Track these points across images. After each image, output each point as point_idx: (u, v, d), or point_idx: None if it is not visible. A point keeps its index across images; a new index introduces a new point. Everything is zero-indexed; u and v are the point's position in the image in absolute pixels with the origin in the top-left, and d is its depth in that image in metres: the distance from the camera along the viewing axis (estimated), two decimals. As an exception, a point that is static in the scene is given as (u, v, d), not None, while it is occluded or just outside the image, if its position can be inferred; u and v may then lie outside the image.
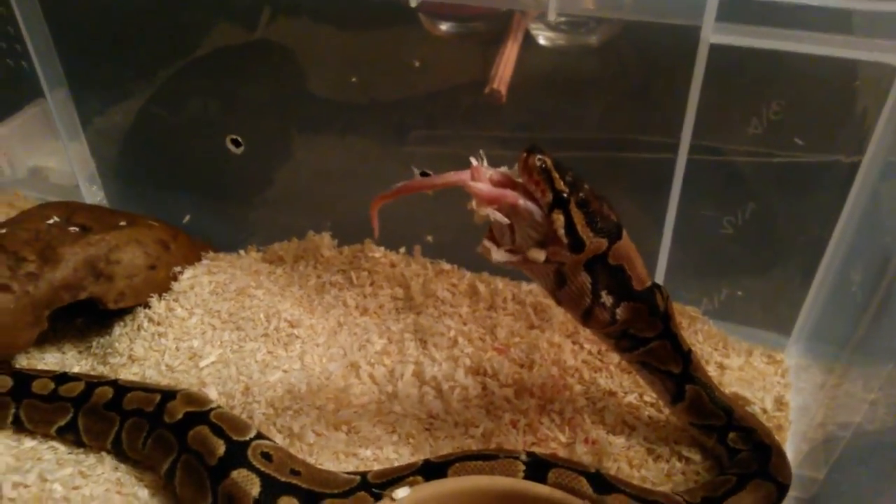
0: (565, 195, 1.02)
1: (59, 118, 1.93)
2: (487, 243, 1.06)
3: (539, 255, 1.04)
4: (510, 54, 1.46)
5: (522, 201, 1.02)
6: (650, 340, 1.20)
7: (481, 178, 1.03)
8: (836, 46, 1.15)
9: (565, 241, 1.03)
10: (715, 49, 1.23)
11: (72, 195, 2.02)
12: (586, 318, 1.15)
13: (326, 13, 1.60)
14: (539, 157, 1.01)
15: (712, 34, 1.22)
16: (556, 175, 1.02)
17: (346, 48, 1.64)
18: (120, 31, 1.79)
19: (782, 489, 1.19)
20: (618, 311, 1.14)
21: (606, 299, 1.13)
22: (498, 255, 1.05)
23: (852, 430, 1.20)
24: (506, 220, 1.03)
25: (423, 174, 1.66)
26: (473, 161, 1.05)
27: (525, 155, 1.02)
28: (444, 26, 1.52)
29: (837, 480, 1.20)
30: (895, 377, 1.11)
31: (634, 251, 1.12)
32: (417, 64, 1.57)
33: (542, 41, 1.48)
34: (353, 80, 1.65)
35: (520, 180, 1.05)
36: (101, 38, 1.82)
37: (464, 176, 1.04)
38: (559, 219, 1.02)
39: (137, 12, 1.75)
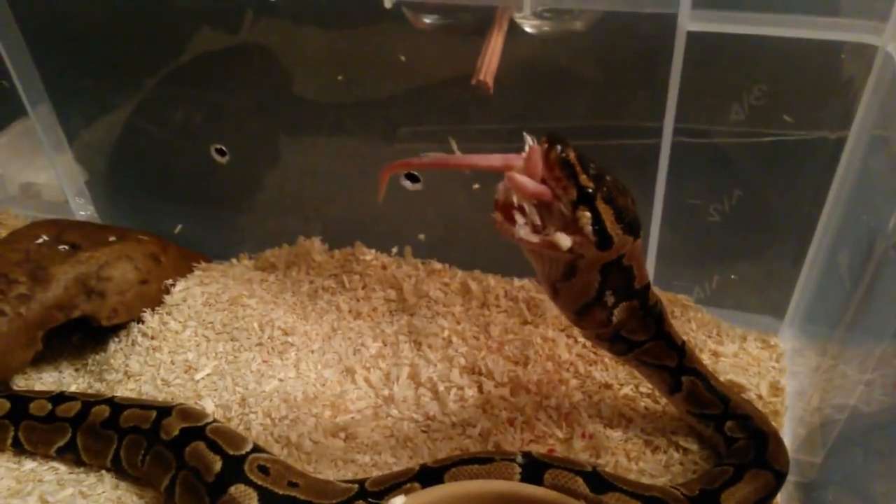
0: (590, 190, 0.96)
1: (44, 134, 1.92)
2: (519, 218, 0.97)
3: (565, 240, 0.96)
4: (496, 44, 1.43)
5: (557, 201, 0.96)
6: (644, 343, 1.19)
7: (536, 163, 0.95)
8: (812, 28, 1.14)
9: (593, 238, 0.98)
10: (693, 36, 1.22)
11: (63, 211, 2.02)
12: (581, 314, 1.12)
13: (308, 13, 1.59)
14: (561, 149, 0.94)
15: (689, 22, 1.21)
16: (579, 169, 0.95)
17: (330, 47, 1.63)
18: (99, 45, 1.79)
19: (780, 477, 1.19)
20: (616, 310, 1.11)
21: (609, 299, 1.09)
22: (524, 232, 0.97)
23: (848, 412, 1.20)
24: (537, 221, 0.97)
25: (409, 176, 1.66)
26: (530, 141, 0.96)
27: (546, 147, 0.94)
28: (428, 19, 1.51)
29: (835, 463, 1.20)
30: (888, 357, 1.10)
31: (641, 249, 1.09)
32: (403, 59, 1.55)
33: (528, 29, 1.46)
34: (339, 78, 1.64)
35: None
36: (81, 53, 1.81)
37: (512, 161, 0.96)
38: (585, 215, 0.96)
39: (115, 24, 1.74)
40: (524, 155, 0.97)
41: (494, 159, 0.97)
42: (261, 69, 1.71)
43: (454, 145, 0.98)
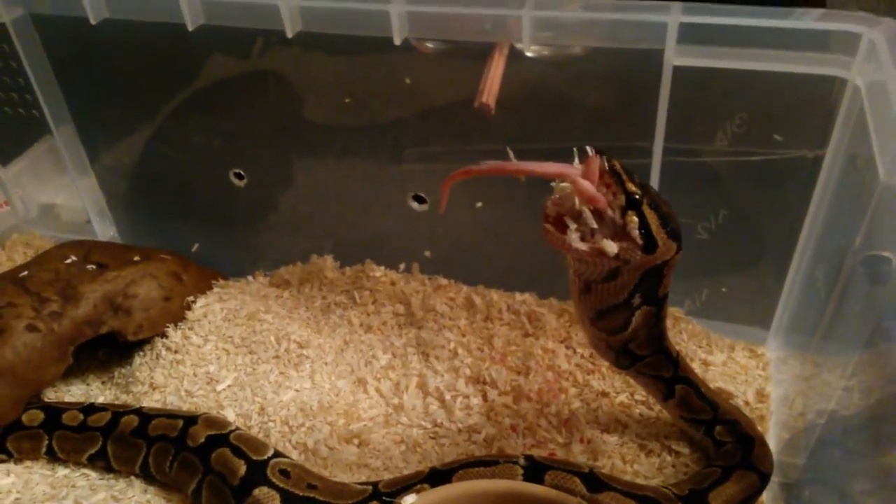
0: (638, 196, 1.03)
1: (68, 155, 1.99)
2: (572, 225, 1.04)
3: (612, 247, 1.03)
4: (497, 68, 1.49)
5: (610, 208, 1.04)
6: (646, 357, 1.27)
7: (594, 172, 1.01)
8: (788, 62, 1.23)
9: (640, 241, 1.04)
10: (679, 70, 1.32)
11: (83, 231, 2.10)
12: (602, 315, 1.17)
13: (316, 40, 1.64)
14: (607, 158, 1.01)
15: (675, 57, 1.30)
16: (625, 177, 1.03)
17: (338, 71, 1.69)
18: (121, 71, 1.85)
19: (764, 477, 1.27)
20: (637, 313, 1.16)
21: (635, 300, 1.14)
22: (574, 239, 1.04)
23: (827, 416, 1.28)
24: (594, 225, 1.03)
25: (416, 197, 1.75)
26: (591, 151, 1.02)
27: (595, 157, 1.01)
28: (431, 44, 1.56)
29: (816, 464, 1.27)
30: (864, 364, 1.18)
31: None
32: (409, 82, 1.61)
33: (527, 53, 1.51)
34: (347, 101, 1.70)
35: None
36: (103, 79, 1.87)
37: (566, 170, 1.03)
38: (633, 220, 1.03)
39: (136, 51, 1.79)
40: (577, 164, 1.03)
41: (550, 167, 1.04)
42: (274, 95, 1.77)
43: (511, 154, 1.06)
